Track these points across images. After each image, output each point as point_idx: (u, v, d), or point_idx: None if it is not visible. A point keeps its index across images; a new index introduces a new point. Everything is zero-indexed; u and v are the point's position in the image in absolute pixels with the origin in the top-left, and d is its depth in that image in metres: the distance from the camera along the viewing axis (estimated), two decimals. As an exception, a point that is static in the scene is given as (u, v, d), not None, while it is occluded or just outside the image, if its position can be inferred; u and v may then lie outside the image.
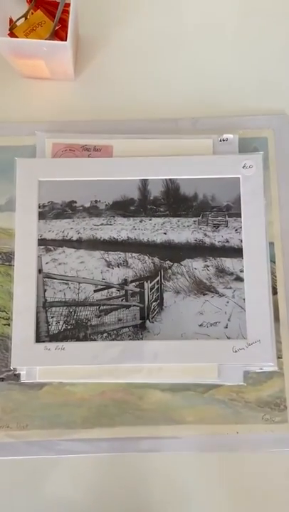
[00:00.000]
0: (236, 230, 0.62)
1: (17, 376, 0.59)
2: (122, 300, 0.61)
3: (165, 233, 0.63)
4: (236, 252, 0.61)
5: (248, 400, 0.59)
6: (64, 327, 0.59)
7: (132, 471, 0.59)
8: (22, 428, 0.59)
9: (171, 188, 0.63)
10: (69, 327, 0.60)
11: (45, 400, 0.59)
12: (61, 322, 0.60)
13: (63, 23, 0.63)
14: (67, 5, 0.61)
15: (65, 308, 0.60)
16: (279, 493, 0.59)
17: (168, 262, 0.62)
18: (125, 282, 0.61)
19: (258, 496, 0.59)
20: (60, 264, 0.61)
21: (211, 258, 0.62)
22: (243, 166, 0.62)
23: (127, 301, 0.61)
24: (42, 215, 0.62)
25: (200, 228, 0.63)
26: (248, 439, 0.59)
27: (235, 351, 0.58)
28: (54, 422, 0.59)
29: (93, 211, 0.63)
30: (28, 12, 0.64)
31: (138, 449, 0.58)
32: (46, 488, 0.59)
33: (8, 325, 0.60)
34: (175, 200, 0.63)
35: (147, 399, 0.60)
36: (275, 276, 0.62)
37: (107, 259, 0.62)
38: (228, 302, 0.60)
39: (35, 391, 0.60)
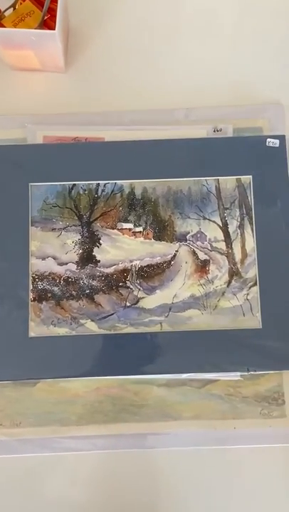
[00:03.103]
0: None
1: None
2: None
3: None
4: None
5: (246, 395, 0.58)
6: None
7: (127, 468, 0.58)
8: (15, 426, 0.58)
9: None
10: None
11: (39, 397, 0.58)
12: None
13: (52, 12, 0.61)
14: (57, -6, 0.60)
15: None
16: (277, 487, 0.58)
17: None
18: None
19: (256, 491, 0.58)
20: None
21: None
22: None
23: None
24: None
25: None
26: (245, 434, 0.58)
27: None
28: (48, 420, 0.58)
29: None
30: (16, 2, 0.63)
31: (134, 445, 0.57)
32: (40, 486, 0.58)
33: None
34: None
35: (143, 395, 0.58)
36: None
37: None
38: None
39: (28, 388, 0.58)
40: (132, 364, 0.58)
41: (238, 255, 0.61)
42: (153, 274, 0.60)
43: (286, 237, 0.60)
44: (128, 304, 0.59)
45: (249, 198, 0.61)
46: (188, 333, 0.58)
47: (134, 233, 0.61)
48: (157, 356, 0.58)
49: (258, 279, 0.59)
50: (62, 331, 0.59)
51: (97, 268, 0.60)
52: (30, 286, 0.59)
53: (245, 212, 0.61)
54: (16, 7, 0.63)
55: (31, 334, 0.58)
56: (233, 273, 0.60)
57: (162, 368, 0.58)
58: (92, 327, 0.59)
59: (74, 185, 0.61)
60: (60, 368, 0.58)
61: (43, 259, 0.60)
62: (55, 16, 0.59)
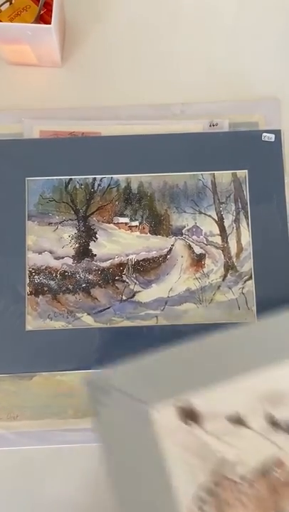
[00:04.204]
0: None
1: None
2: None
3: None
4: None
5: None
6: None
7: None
8: (12, 419, 0.58)
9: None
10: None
11: (36, 390, 0.59)
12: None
13: (48, 7, 0.61)
14: (53, -12, 0.60)
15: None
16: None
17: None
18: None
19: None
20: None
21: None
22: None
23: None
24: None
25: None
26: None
27: None
28: (45, 413, 0.58)
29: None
30: (12, -4, 0.63)
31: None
32: (37, 479, 0.58)
33: None
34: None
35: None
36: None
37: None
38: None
39: (25, 381, 0.59)
40: (128, 357, 0.58)
41: (233, 249, 0.61)
42: (149, 268, 0.60)
43: (281, 231, 0.60)
44: (124, 298, 0.60)
45: (245, 193, 0.62)
46: (184, 327, 0.59)
47: (130, 227, 0.61)
48: (153, 349, 0.58)
49: (253, 273, 0.60)
50: (58, 324, 0.59)
51: (94, 262, 0.60)
52: (27, 280, 0.60)
53: (240, 206, 0.62)
54: (12, 1, 0.63)
55: (28, 328, 0.59)
56: (229, 267, 0.61)
57: None
58: (88, 321, 0.59)
59: (70, 179, 0.62)
60: (56, 361, 0.58)
61: (40, 253, 0.60)
62: (51, 11, 0.59)
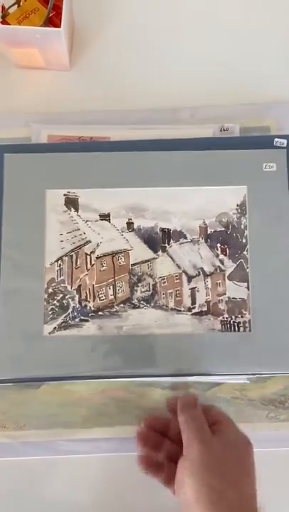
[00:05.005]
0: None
1: None
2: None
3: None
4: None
5: (252, 398, 0.58)
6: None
7: (132, 471, 0.57)
8: (19, 428, 0.57)
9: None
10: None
11: (43, 399, 0.58)
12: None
13: (57, 10, 0.60)
14: (62, -9, 0.59)
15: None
16: (286, 491, 0.57)
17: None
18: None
19: (263, 495, 0.57)
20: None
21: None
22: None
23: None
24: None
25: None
26: (252, 437, 0.56)
27: None
28: (52, 422, 0.57)
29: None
30: (20, -1, 0.62)
31: (139, 448, 0.57)
32: (44, 489, 0.57)
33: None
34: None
35: (148, 397, 0.58)
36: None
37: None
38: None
39: (32, 390, 0.58)
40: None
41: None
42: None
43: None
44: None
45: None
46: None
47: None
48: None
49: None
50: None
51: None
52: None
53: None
54: (21, 4, 0.62)
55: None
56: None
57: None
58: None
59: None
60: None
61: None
62: (60, 14, 0.58)
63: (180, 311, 0.58)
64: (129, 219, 0.60)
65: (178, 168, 0.60)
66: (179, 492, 0.48)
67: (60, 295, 0.58)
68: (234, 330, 0.57)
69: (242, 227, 0.59)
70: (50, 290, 0.58)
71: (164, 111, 0.64)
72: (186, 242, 0.59)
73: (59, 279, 0.58)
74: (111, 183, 0.60)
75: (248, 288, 0.58)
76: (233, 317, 0.57)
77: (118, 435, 0.57)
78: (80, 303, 0.58)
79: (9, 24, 0.60)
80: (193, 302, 0.58)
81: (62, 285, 0.58)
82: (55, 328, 0.57)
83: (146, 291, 0.58)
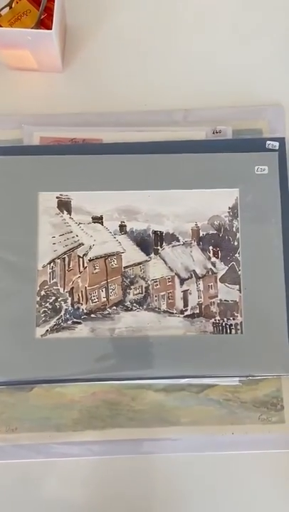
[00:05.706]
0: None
1: None
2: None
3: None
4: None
5: (244, 400, 0.58)
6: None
7: (124, 474, 0.57)
8: (11, 431, 0.57)
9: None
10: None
11: (35, 402, 0.58)
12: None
13: (49, 11, 0.60)
14: (53, -7, 0.59)
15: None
16: (276, 493, 0.57)
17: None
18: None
19: (255, 497, 0.57)
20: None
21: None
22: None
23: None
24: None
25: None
26: (244, 439, 0.57)
27: None
28: (44, 425, 0.57)
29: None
30: (12, 1, 0.62)
31: (131, 451, 0.57)
32: (36, 492, 0.57)
33: None
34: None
35: (140, 400, 0.58)
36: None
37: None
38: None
39: (24, 393, 0.58)
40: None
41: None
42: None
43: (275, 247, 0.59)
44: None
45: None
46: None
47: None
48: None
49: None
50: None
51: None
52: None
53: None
54: (13, 6, 0.62)
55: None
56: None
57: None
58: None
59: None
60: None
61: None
62: (52, 15, 0.58)
63: (172, 313, 0.58)
64: (121, 221, 0.60)
65: (170, 171, 0.60)
66: None
67: (52, 297, 0.58)
68: (226, 332, 0.58)
69: (234, 229, 0.59)
70: (43, 292, 0.58)
71: (156, 113, 0.64)
72: (179, 245, 0.59)
73: (51, 281, 0.58)
74: (104, 185, 0.60)
75: (239, 290, 0.58)
76: (225, 319, 0.58)
77: (110, 438, 0.57)
78: (72, 305, 0.58)
79: (1, 26, 0.60)
80: (186, 304, 0.58)
81: (54, 287, 0.58)
82: (47, 330, 0.57)
83: (139, 293, 0.59)
